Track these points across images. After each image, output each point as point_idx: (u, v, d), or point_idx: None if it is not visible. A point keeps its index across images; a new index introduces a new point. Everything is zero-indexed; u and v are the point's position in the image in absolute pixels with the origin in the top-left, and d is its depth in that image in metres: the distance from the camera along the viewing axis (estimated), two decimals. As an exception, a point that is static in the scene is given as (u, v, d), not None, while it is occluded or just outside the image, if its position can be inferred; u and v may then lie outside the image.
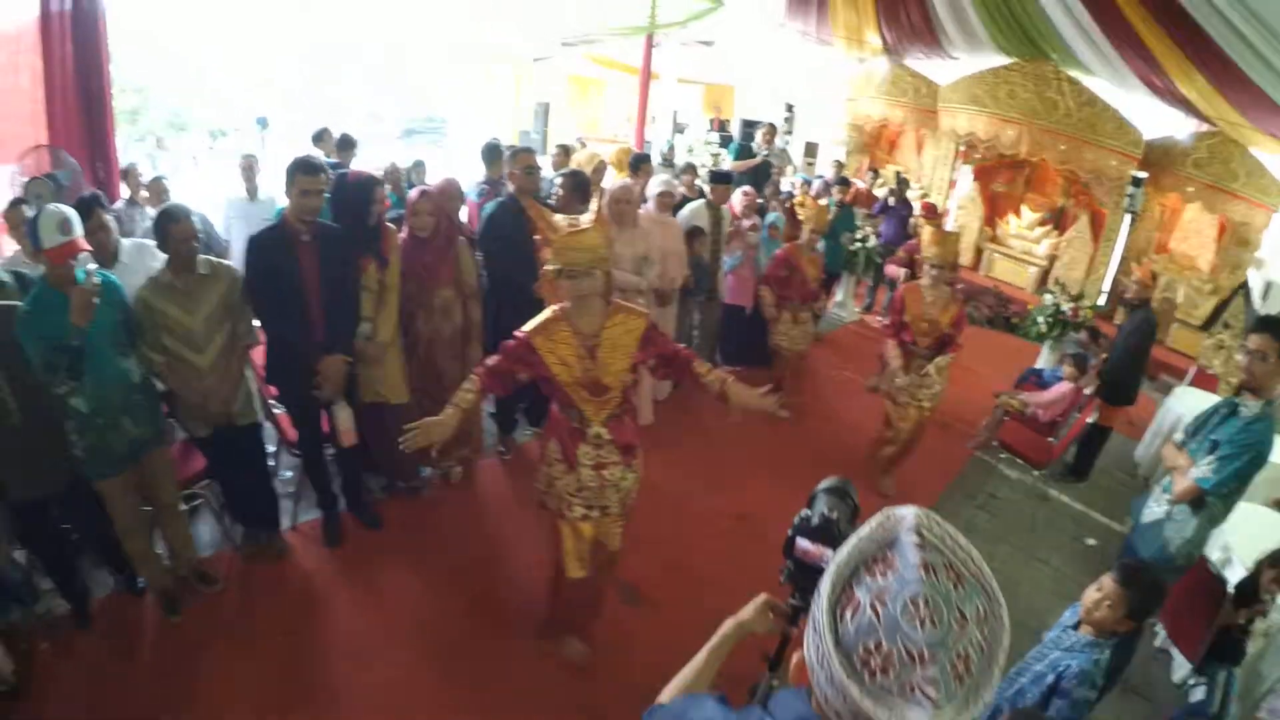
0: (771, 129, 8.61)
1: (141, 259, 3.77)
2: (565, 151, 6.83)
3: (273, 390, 4.02)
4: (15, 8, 5.52)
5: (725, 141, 8.56)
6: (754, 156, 8.21)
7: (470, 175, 6.20)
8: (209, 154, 14.46)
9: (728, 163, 8.42)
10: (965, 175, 11.26)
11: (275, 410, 4.30)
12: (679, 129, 13.59)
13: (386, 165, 5.80)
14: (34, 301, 3.20)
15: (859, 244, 8.09)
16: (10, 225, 4.37)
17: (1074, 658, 2.54)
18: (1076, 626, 2.67)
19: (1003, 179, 11.13)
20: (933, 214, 7.91)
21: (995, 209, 11.22)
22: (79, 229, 3.17)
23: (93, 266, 3.35)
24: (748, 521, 4.37)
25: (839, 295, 8.72)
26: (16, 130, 5.47)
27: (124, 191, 5.61)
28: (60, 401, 3.25)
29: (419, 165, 6.13)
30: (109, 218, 3.88)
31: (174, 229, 3.35)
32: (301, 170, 3.51)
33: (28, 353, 3.16)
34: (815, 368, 6.74)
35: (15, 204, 4.39)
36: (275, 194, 6.24)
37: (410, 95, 18.54)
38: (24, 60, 5.47)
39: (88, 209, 3.77)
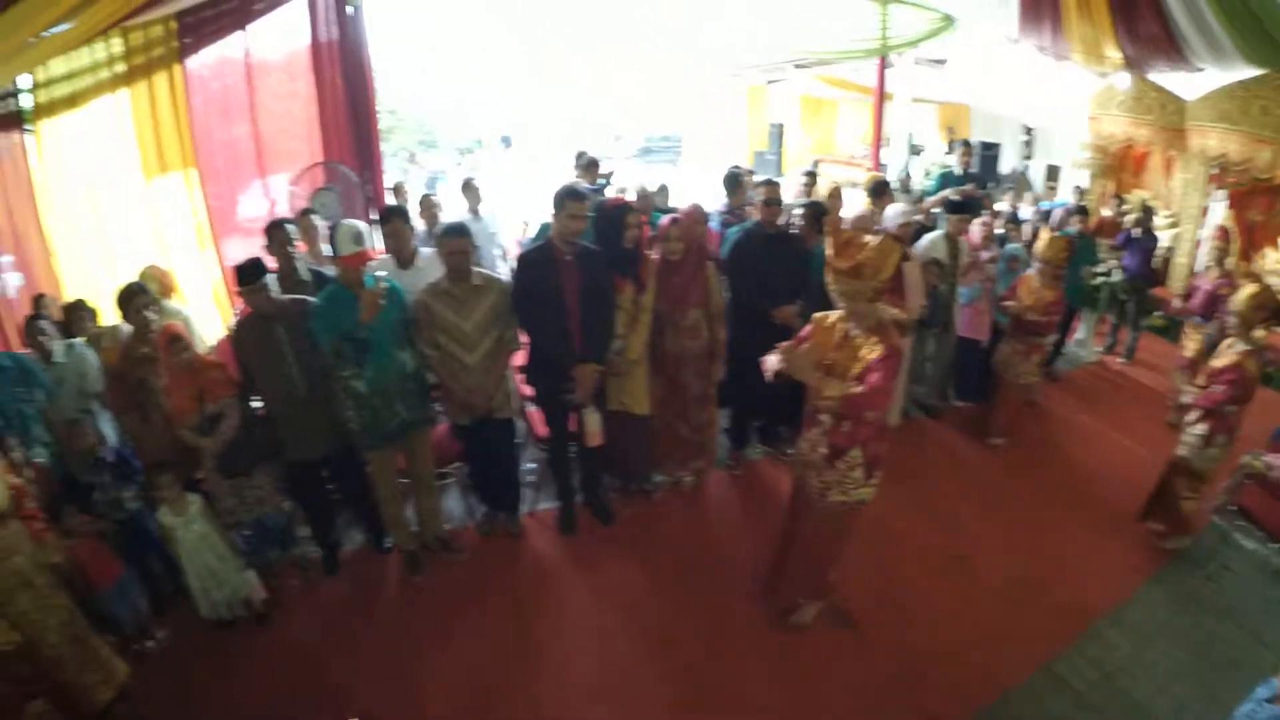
0: (966, 149, 8.17)
1: (435, 266, 4.26)
2: (810, 178, 6.85)
3: (528, 390, 4.46)
4: (287, 39, 6.39)
5: (966, 168, 8.18)
6: (963, 183, 7.68)
7: (702, 194, 6.40)
8: (457, 170, 15.52)
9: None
10: (1219, 202, 10.13)
11: (528, 408, 4.76)
12: (915, 151, 13.16)
13: (637, 189, 6.11)
14: (328, 298, 3.79)
15: (1101, 278, 7.58)
16: (301, 231, 5.04)
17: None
18: (1273, 700, 2.64)
19: (1259, 206, 9.85)
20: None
21: (1251, 240, 9.95)
22: (368, 241, 3.72)
23: (382, 273, 3.93)
24: (964, 564, 4.34)
25: (1080, 333, 8.17)
26: (292, 147, 6.30)
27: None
28: (342, 383, 3.83)
29: (663, 189, 6.39)
30: (407, 228, 4.44)
31: (447, 243, 3.82)
32: (570, 197, 3.86)
33: (319, 340, 3.77)
34: (1049, 408, 6.43)
35: (305, 213, 5.11)
36: (496, 212, 6.75)
37: (649, 115, 18.91)
38: (297, 86, 6.27)
39: (385, 219, 4.35)
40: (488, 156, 15.21)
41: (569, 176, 6.17)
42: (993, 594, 4.08)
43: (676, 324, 4.33)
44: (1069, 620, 3.91)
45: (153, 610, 4.20)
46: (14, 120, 6.68)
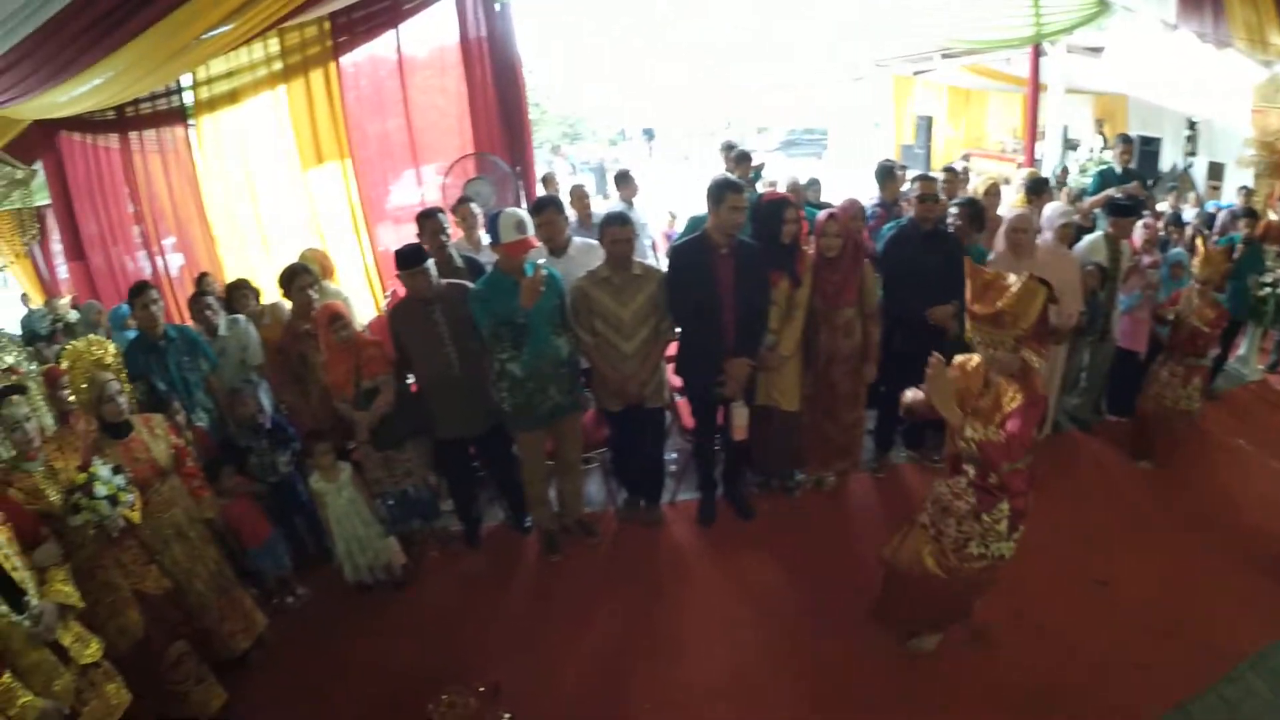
0: (1126, 145, 7.61)
1: (587, 255, 4.29)
2: (953, 175, 6.59)
3: (676, 381, 4.42)
4: (436, 36, 6.59)
5: (1125, 165, 7.66)
6: (1124, 180, 7.19)
7: (849, 189, 6.26)
8: (600, 162, 15.64)
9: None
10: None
11: (676, 399, 4.72)
12: (1070, 146, 12.33)
13: (789, 182, 6.02)
14: (488, 283, 3.84)
15: (1268, 288, 6.98)
16: (459, 218, 5.18)
17: None
18: None
19: None
20: None
21: None
22: (531, 229, 3.74)
23: (541, 260, 3.96)
24: (1106, 591, 4.04)
25: (1242, 348, 7.56)
26: (442, 140, 6.49)
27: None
28: (498, 365, 3.88)
29: (814, 183, 6.27)
30: (561, 218, 4.46)
31: (610, 231, 3.83)
32: (730, 189, 3.78)
33: (478, 324, 3.83)
34: (1204, 428, 5.94)
35: (462, 201, 5.22)
36: (646, 204, 6.77)
37: (793, 107, 18.76)
38: (447, 81, 6.43)
39: (541, 208, 4.38)
40: (631, 149, 15.34)
41: (713, 170, 6.11)
42: (1132, 623, 3.79)
43: (830, 321, 4.22)
44: (1209, 658, 3.59)
45: (295, 568, 4.43)
46: (177, 115, 7.14)
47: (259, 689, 3.93)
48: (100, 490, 3.16)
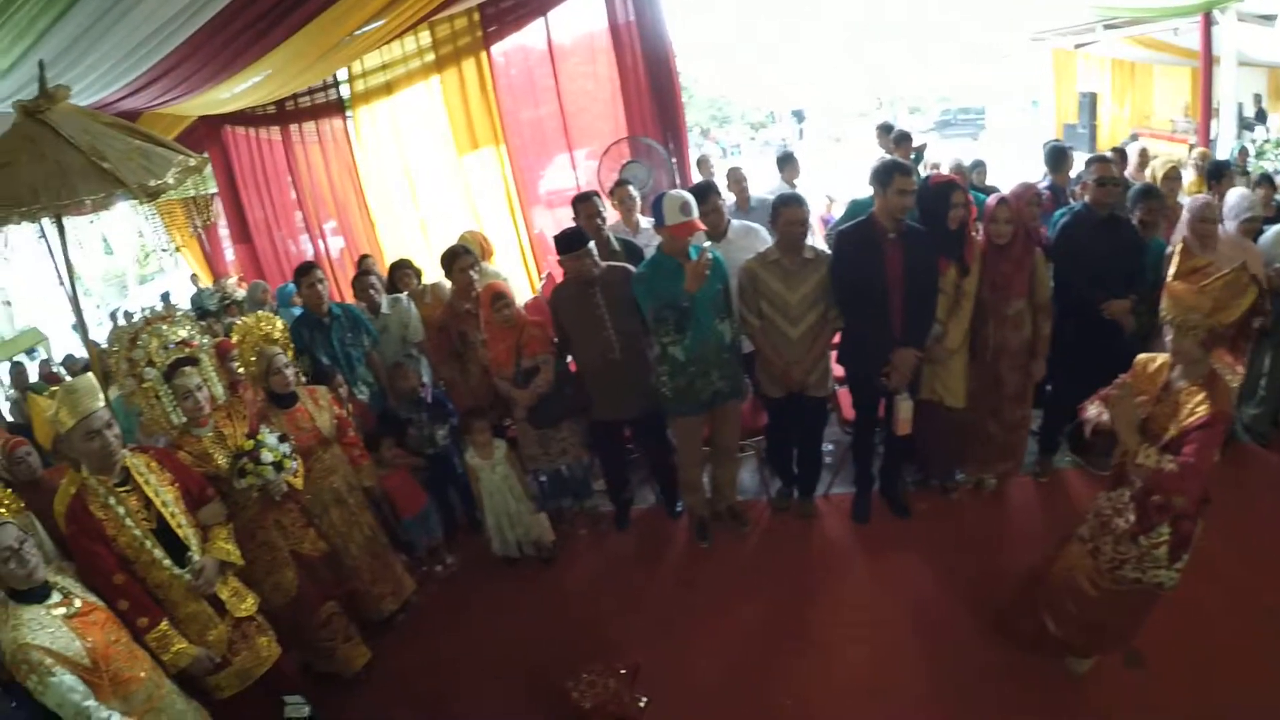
0: None
1: (746, 239, 4.23)
2: (1121, 156, 6.13)
3: (838, 371, 4.28)
4: (584, 23, 6.61)
5: None
6: None
7: (1008, 171, 5.94)
8: (749, 145, 15.42)
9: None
10: None
11: (837, 389, 4.55)
12: (1246, 125, 11.12)
13: (952, 164, 5.77)
14: (651, 266, 3.81)
15: None
16: (617, 201, 5.17)
17: None
18: None
19: None
20: None
21: None
22: (695, 211, 3.68)
23: (707, 244, 3.90)
24: (1276, 616, 3.63)
25: None
26: (594, 125, 6.51)
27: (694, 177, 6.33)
28: (660, 349, 3.85)
29: (979, 165, 5.99)
30: (721, 202, 4.42)
31: (786, 212, 3.74)
32: (899, 171, 3.64)
33: (641, 307, 3.81)
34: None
35: (620, 184, 5.21)
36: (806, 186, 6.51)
37: (946, 86, 18.05)
38: (597, 67, 6.43)
39: (704, 194, 4.34)
40: (780, 131, 15.11)
41: (867, 152, 5.93)
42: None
43: (999, 313, 3.98)
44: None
45: (446, 538, 4.60)
46: (336, 107, 7.49)
47: (402, 651, 4.08)
48: (266, 456, 3.33)
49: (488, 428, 4.22)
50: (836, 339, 4.12)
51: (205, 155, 7.54)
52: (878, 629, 3.66)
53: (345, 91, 7.46)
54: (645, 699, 3.34)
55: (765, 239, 4.19)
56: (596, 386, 4.13)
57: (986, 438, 4.26)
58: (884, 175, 3.65)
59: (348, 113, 7.57)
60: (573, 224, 4.36)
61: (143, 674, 2.77)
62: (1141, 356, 2.83)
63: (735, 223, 4.42)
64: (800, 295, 3.80)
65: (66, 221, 3.64)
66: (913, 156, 6.66)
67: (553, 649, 3.78)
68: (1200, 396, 2.51)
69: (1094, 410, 2.89)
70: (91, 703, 2.51)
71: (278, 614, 3.52)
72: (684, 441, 4.18)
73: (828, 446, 4.79)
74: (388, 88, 7.16)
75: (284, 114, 7.78)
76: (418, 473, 4.42)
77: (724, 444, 4.23)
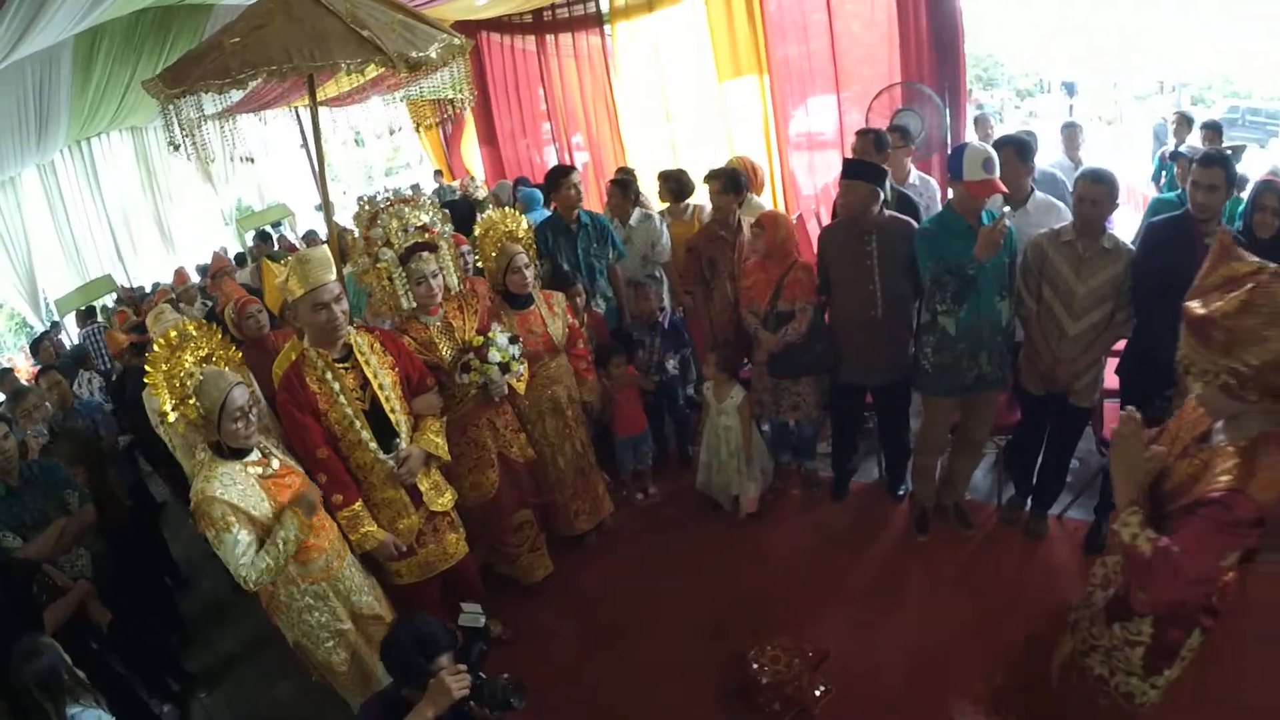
0: None
1: (1046, 215, 3.73)
2: None
3: (1113, 382, 3.75)
4: None
5: None
6: None
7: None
8: (1013, 114, 14.14)
9: None
10: None
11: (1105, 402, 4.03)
12: None
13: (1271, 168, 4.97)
14: (937, 222, 3.44)
15: None
16: (893, 147, 4.63)
17: None
18: None
19: None
20: None
21: None
22: (998, 170, 3.25)
23: (1006, 208, 3.49)
24: None
25: None
26: (860, 70, 5.96)
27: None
28: (931, 317, 3.49)
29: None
30: (1023, 164, 3.86)
31: (1091, 189, 3.22)
32: (1217, 163, 3.16)
33: (920, 266, 3.42)
34: None
35: (893, 130, 4.69)
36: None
37: (1242, 81, 15.65)
38: (873, 8, 5.86)
39: (1001, 147, 3.84)
40: (1048, 103, 13.77)
41: (1141, 139, 5.18)
42: None
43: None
44: None
45: (653, 468, 4.52)
46: (593, 20, 7.41)
47: (585, 572, 4.05)
48: (494, 356, 3.28)
49: (725, 365, 4.01)
50: (1118, 346, 3.62)
51: (468, 40, 7.83)
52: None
53: (604, 6, 7.36)
54: (825, 688, 3.11)
55: (1066, 219, 3.68)
56: (850, 345, 3.82)
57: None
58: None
59: (605, 27, 7.47)
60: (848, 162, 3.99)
61: (325, 544, 2.81)
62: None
63: (1039, 195, 3.92)
64: (1089, 288, 3.31)
65: (321, 113, 3.65)
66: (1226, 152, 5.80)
67: (738, 609, 3.62)
68: (1230, 464, 1.71)
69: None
70: (251, 556, 2.56)
71: (470, 511, 3.52)
72: (930, 423, 3.82)
73: (1074, 463, 4.25)
74: (649, 4, 6.98)
75: (540, 24, 7.82)
76: (642, 395, 4.32)
77: (972, 435, 3.82)
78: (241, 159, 8.24)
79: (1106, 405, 4.02)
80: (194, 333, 2.74)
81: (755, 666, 3.09)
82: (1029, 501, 4.02)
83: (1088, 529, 3.86)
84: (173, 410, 2.60)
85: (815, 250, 4.00)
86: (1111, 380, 3.70)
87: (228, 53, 3.14)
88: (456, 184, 9.50)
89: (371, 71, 3.49)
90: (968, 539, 3.93)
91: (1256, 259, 1.74)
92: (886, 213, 3.70)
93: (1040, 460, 3.91)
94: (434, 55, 3.41)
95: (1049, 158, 5.88)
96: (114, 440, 4.72)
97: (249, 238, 11.34)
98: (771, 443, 4.35)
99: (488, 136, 8.90)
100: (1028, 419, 3.85)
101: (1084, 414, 3.69)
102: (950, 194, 3.51)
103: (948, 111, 5.48)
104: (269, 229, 11.59)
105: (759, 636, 3.23)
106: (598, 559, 4.13)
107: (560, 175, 4.52)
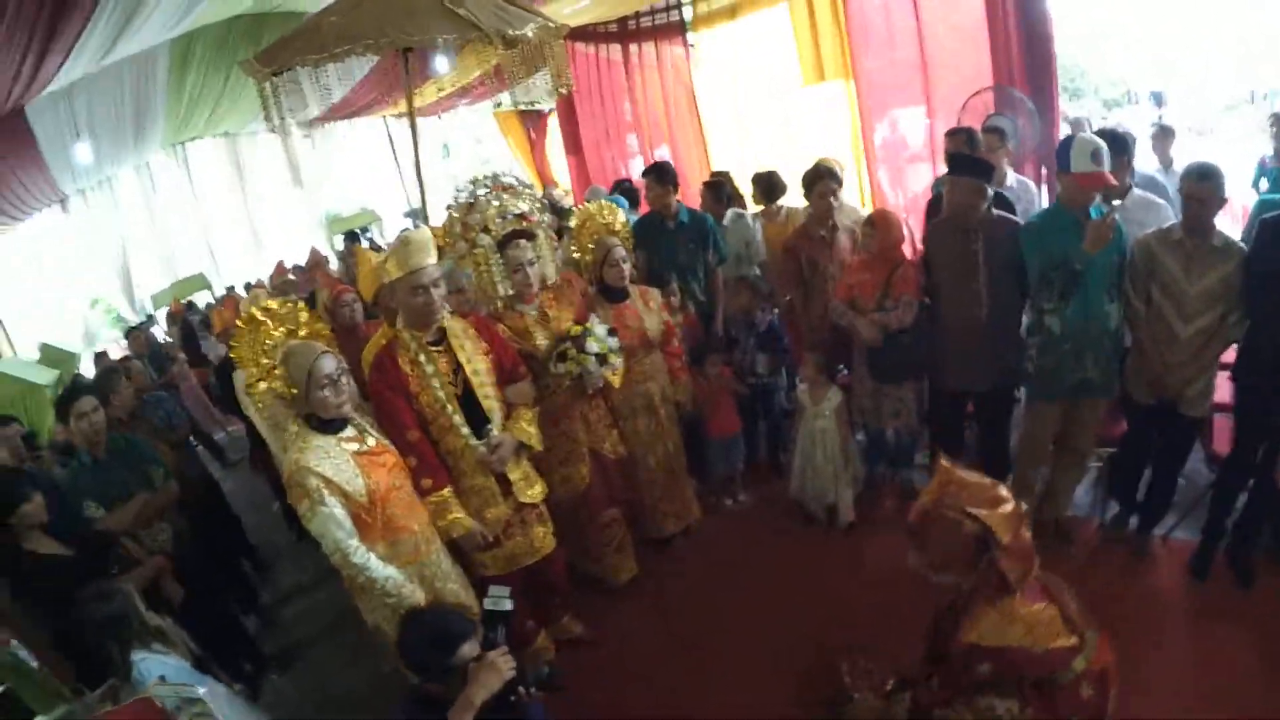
0: None
1: (1145, 212, 3.64)
2: None
3: (1222, 395, 3.61)
4: None
5: None
6: None
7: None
8: (1101, 125, 13.71)
9: None
10: None
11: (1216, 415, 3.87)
12: None
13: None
14: (1044, 218, 3.38)
15: None
16: (986, 148, 4.55)
17: None
18: None
19: None
20: None
21: None
22: (1108, 163, 3.17)
23: (1117, 202, 3.44)
24: None
25: None
26: (948, 77, 5.84)
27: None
28: (1037, 315, 3.41)
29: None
30: (1123, 159, 3.79)
31: (1198, 188, 3.11)
32: None
33: (1027, 262, 3.36)
34: None
35: (989, 130, 4.61)
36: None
37: None
38: (962, 17, 5.73)
39: (1124, 145, 3.79)
40: (1136, 114, 13.31)
41: (1235, 152, 4.94)
42: None
43: None
44: None
45: (743, 472, 4.45)
46: (677, 29, 7.46)
47: (671, 575, 4.00)
48: (592, 346, 3.26)
49: (821, 367, 3.97)
50: (1230, 354, 3.44)
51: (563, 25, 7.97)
52: (1186, 710, 2.97)
53: (688, 14, 7.38)
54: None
55: (1169, 218, 3.56)
56: (953, 346, 3.69)
57: None
58: None
59: (688, 34, 7.50)
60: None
61: (416, 526, 2.80)
62: None
63: (1138, 191, 3.80)
64: (1201, 288, 3.19)
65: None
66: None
67: (829, 623, 3.50)
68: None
69: None
70: (353, 542, 2.54)
71: (559, 506, 3.48)
72: (1032, 430, 3.69)
73: (1179, 481, 4.07)
74: (731, 11, 6.99)
75: (625, 32, 7.86)
76: (736, 398, 4.28)
77: (1076, 445, 3.69)
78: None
79: (1216, 420, 3.87)
80: (276, 308, 2.78)
81: (848, 680, 3.00)
82: (1133, 519, 3.86)
83: (1194, 550, 3.65)
84: (260, 381, 2.65)
85: (917, 250, 3.94)
86: (1222, 394, 3.55)
87: (324, 31, 3.23)
88: (541, 193, 9.79)
89: (466, 74, 3.55)
90: (1069, 557, 3.71)
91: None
92: (995, 212, 3.62)
93: (1148, 475, 3.74)
94: (530, 34, 3.46)
95: (1142, 165, 5.72)
96: (186, 431, 4.89)
97: (338, 240, 11.67)
98: (866, 452, 4.27)
99: (573, 146, 8.98)
100: (1134, 431, 3.72)
101: (1194, 425, 3.55)
102: (1059, 189, 3.42)
103: (1038, 117, 5.35)
104: (358, 231, 11.92)
105: (851, 650, 3.13)
106: (684, 563, 4.08)
107: (660, 175, 4.51)
